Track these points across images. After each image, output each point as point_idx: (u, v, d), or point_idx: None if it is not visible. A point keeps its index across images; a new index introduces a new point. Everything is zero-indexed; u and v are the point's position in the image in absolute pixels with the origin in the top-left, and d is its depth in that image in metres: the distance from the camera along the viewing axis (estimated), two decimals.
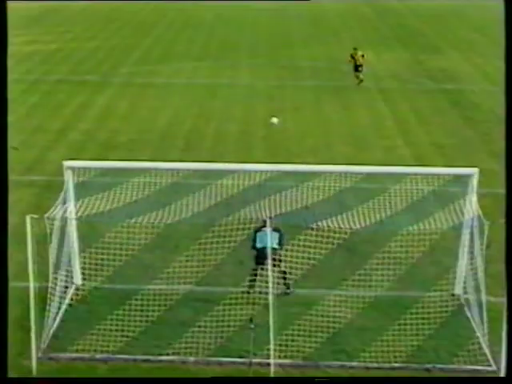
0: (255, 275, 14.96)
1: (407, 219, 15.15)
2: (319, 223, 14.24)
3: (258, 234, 14.92)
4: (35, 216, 12.61)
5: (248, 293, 14.79)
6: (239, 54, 39.99)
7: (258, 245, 14.87)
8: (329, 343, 13.41)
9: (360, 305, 14.36)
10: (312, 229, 14.43)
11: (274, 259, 14.00)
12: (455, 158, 23.16)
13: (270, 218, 14.50)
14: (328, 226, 14.05)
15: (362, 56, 33.02)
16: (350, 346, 13.43)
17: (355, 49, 33.47)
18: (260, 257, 14.72)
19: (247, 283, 14.97)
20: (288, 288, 14.99)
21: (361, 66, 32.94)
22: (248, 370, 12.46)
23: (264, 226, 14.75)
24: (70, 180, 14.37)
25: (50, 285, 13.41)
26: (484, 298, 13.14)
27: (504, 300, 10.42)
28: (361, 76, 32.98)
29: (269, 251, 13.66)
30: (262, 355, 12.76)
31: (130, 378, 12.18)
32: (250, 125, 27.04)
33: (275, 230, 14.84)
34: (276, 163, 17.01)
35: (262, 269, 14.66)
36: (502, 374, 12.02)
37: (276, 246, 14.64)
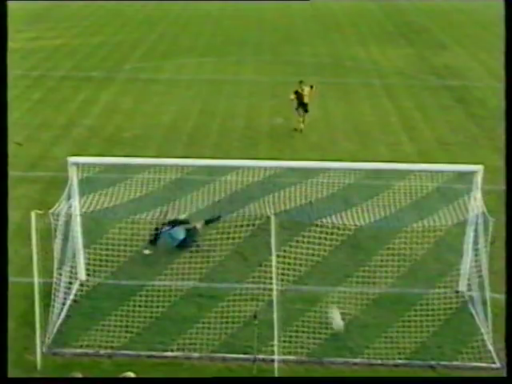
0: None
1: (411, 216, 15.15)
2: (323, 220, 14.25)
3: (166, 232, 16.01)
4: (40, 212, 12.62)
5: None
6: (244, 50, 39.94)
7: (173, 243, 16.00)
8: (332, 339, 13.41)
9: (364, 301, 14.36)
10: (316, 225, 14.43)
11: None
12: (460, 155, 23.12)
13: (275, 214, 14.50)
14: (332, 223, 14.06)
15: (311, 87, 25.08)
16: (354, 343, 13.43)
17: (301, 82, 25.13)
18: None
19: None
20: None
21: (306, 104, 24.86)
22: (252, 366, 12.47)
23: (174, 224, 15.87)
24: (74, 176, 14.37)
25: (54, 280, 13.41)
26: (488, 294, 13.15)
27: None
28: (301, 125, 25.01)
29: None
30: (266, 351, 12.78)
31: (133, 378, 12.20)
32: (254, 121, 27.03)
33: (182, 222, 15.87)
34: (280, 159, 17.01)
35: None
36: (506, 371, 12.01)
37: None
